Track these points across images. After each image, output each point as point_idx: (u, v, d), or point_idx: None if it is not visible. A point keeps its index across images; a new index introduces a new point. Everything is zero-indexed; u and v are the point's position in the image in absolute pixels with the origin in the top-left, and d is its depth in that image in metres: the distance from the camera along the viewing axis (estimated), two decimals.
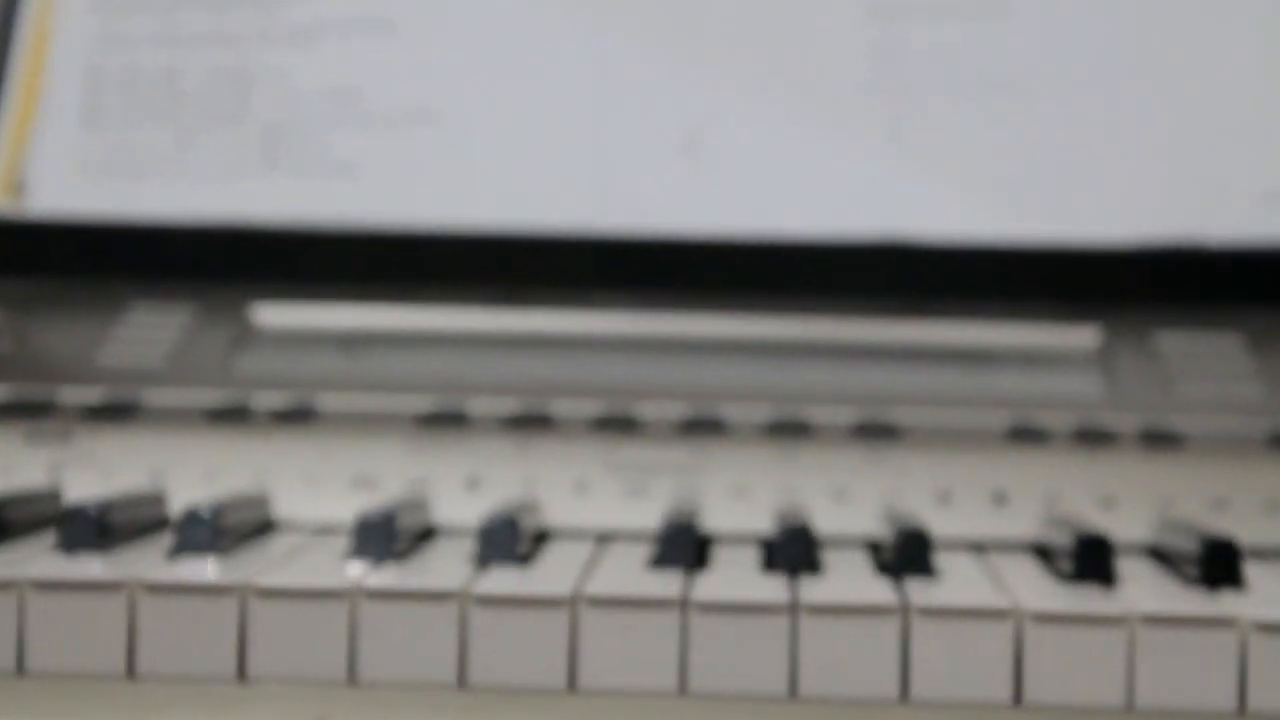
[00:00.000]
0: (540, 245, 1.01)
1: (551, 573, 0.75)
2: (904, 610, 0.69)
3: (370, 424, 0.92)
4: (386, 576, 0.73)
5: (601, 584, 0.72)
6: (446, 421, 0.92)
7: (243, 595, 0.70)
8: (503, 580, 0.73)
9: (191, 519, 0.77)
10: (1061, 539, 0.79)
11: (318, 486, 0.89)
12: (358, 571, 0.74)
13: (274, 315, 0.99)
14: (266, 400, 0.93)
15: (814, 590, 0.72)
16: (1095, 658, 0.69)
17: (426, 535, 0.85)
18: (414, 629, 0.70)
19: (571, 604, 0.70)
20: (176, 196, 1.03)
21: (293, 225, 1.02)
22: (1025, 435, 0.91)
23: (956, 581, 0.75)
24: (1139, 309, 0.98)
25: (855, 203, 1.01)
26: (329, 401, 0.93)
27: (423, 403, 0.92)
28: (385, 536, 0.76)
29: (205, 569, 0.74)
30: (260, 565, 0.75)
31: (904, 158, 1.01)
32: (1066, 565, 0.76)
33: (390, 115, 1.03)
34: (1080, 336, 0.97)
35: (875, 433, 0.91)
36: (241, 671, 0.70)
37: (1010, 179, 1.01)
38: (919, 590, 0.72)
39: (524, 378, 0.94)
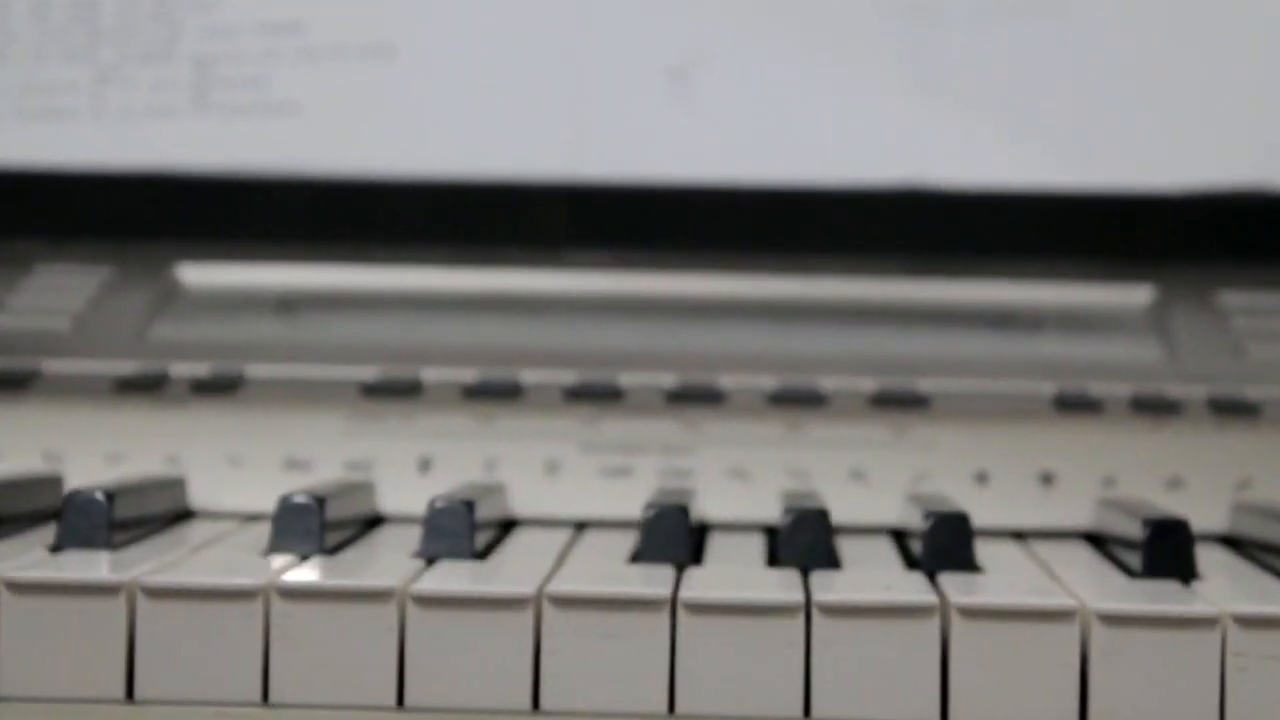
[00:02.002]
0: (509, 195, 0.98)
1: (512, 567, 0.71)
2: (942, 611, 0.64)
3: (307, 396, 0.87)
4: (308, 573, 0.67)
5: (572, 581, 0.66)
6: (396, 392, 0.87)
7: (130, 596, 0.64)
8: (451, 577, 0.67)
9: (78, 505, 0.71)
10: (1125, 526, 0.75)
11: (243, 469, 0.85)
12: (275, 567, 0.68)
13: (201, 275, 0.95)
14: (186, 369, 0.88)
15: (831, 588, 0.67)
16: (1178, 667, 0.63)
17: (372, 526, 0.81)
18: (341, 637, 0.64)
19: (535, 605, 0.64)
20: (93, 142, 1.00)
21: (225, 173, 0.99)
22: (1074, 405, 0.87)
23: (1003, 577, 0.70)
24: (1198, 264, 0.96)
25: (871, 144, 0.98)
26: (258, 370, 0.88)
27: (367, 371, 0.88)
28: (311, 525, 0.71)
29: (88, 564, 0.68)
30: (161, 560, 0.69)
31: (927, 92, 0.98)
32: (1134, 557, 0.72)
33: (337, 49, 1.00)
34: (1131, 295, 0.94)
35: (898, 404, 0.87)
36: (129, 690, 0.64)
37: (1049, 117, 0.98)
38: (959, 587, 0.67)
39: (487, 343, 0.90)
